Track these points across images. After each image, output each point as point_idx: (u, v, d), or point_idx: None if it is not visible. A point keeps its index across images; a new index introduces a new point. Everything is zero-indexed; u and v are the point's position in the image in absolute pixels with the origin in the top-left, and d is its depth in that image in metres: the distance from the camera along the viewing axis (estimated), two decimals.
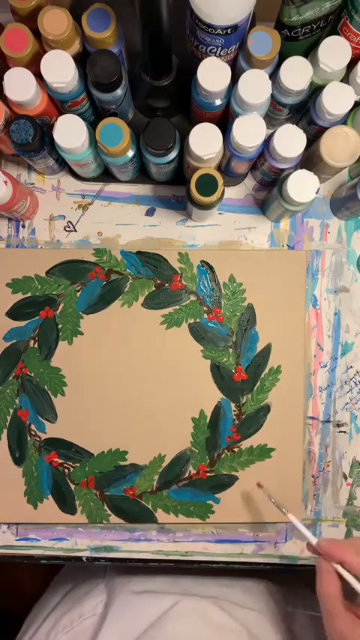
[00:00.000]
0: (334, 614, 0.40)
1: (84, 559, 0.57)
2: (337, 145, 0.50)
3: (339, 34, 0.48)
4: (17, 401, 0.57)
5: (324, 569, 0.43)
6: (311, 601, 0.60)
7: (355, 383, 0.58)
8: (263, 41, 0.46)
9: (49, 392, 0.57)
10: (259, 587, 0.60)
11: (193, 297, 0.58)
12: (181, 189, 0.59)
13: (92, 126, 0.50)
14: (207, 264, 0.58)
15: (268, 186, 0.58)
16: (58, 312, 0.57)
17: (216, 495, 0.56)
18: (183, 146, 0.51)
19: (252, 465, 0.57)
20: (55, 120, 0.48)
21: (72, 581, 0.65)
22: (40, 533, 0.57)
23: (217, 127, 0.48)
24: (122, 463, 0.56)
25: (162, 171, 0.54)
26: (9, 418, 0.57)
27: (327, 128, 0.51)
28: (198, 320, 0.57)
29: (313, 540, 0.45)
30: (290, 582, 0.63)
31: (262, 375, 0.57)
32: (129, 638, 0.52)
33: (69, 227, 0.59)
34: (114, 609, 0.56)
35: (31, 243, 0.58)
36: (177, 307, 0.57)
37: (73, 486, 0.56)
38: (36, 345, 0.57)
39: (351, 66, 0.49)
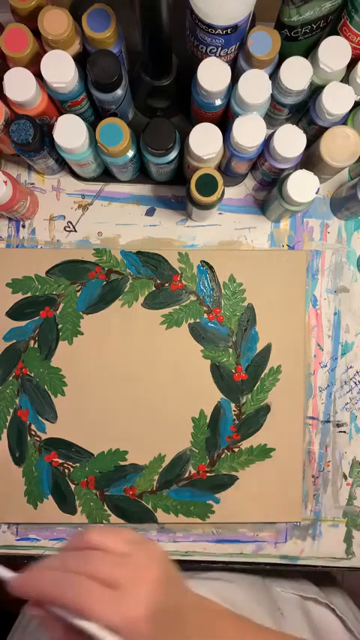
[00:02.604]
0: None
1: None
2: (337, 145, 0.50)
3: (339, 34, 0.48)
4: (17, 401, 0.57)
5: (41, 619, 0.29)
6: (300, 583, 0.60)
7: (355, 383, 0.58)
8: (263, 41, 0.46)
9: (49, 392, 0.57)
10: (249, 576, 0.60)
11: (193, 297, 0.58)
12: (181, 189, 0.59)
13: (92, 126, 0.50)
14: (207, 264, 0.58)
15: (268, 186, 0.58)
16: (58, 312, 0.57)
17: (216, 495, 0.56)
18: (183, 146, 0.51)
19: (252, 465, 0.56)
20: (55, 120, 0.48)
21: None
22: (40, 533, 0.57)
23: (217, 127, 0.48)
24: (122, 463, 0.56)
25: (162, 172, 0.54)
26: (9, 418, 0.57)
27: (327, 128, 0.51)
28: (198, 320, 0.57)
29: (7, 575, 0.30)
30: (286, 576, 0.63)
31: (262, 375, 0.57)
32: None
33: (69, 227, 0.59)
34: None
35: (31, 243, 0.58)
36: (177, 307, 0.57)
37: (73, 486, 0.56)
38: (36, 345, 0.57)
39: (351, 66, 0.49)
